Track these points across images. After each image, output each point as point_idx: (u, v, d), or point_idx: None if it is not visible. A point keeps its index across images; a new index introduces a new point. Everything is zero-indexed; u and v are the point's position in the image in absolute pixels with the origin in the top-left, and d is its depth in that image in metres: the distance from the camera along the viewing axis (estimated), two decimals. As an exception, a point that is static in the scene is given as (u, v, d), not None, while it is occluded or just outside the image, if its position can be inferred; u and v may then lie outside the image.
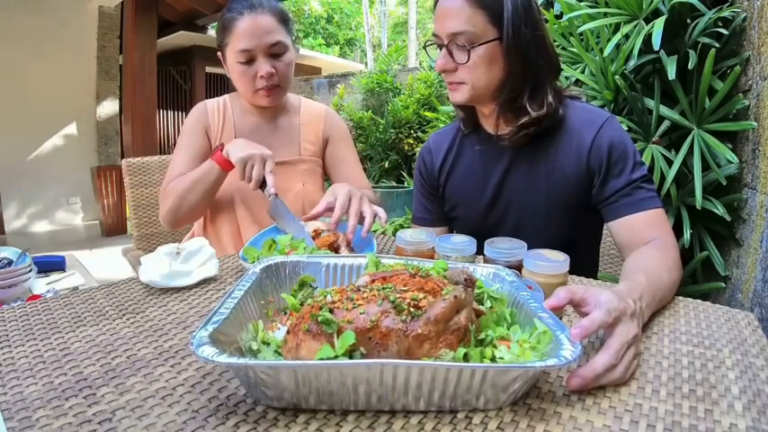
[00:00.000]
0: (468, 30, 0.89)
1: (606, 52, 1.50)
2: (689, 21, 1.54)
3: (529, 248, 0.77)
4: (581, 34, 1.70)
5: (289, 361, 0.47)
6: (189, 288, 0.82)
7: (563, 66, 1.45)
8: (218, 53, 1.23)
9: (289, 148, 1.29)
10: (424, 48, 1.09)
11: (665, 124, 1.51)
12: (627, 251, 0.91)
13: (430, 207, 1.16)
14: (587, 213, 1.00)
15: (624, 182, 0.92)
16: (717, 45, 1.42)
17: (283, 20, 1.18)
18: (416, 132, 3.74)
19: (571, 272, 0.77)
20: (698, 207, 1.37)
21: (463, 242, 0.82)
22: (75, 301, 0.75)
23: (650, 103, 1.52)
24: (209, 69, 7.32)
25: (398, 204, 3.35)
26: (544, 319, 0.53)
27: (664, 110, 1.50)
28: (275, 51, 1.16)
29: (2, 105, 4.25)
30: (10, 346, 0.61)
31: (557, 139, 0.98)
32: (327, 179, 1.39)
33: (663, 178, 1.44)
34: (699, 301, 0.79)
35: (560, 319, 0.59)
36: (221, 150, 1.10)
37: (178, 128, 7.72)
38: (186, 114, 1.30)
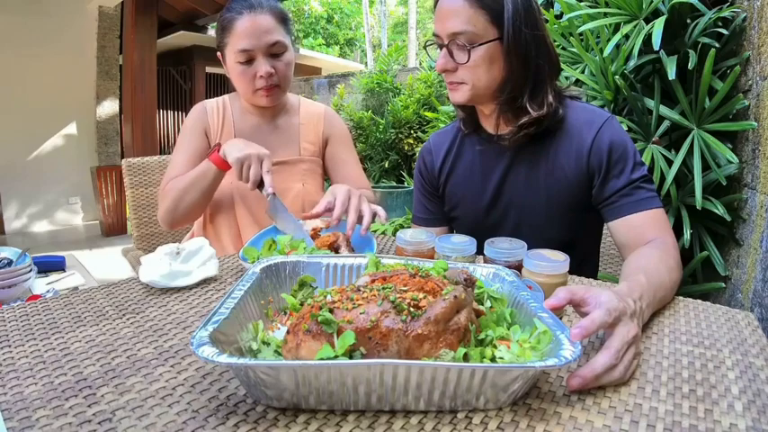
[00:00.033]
0: (469, 30, 0.89)
1: (606, 52, 1.50)
2: (689, 21, 1.54)
3: (529, 248, 0.77)
4: (581, 34, 1.70)
5: (289, 361, 0.47)
6: (189, 288, 0.82)
7: (563, 66, 1.45)
8: (218, 53, 1.23)
9: (288, 148, 1.29)
10: (425, 48, 1.09)
11: (665, 124, 1.51)
12: (627, 251, 0.91)
13: (430, 207, 1.16)
14: (587, 213, 1.00)
15: (624, 182, 0.92)
16: (717, 45, 1.42)
17: (283, 20, 1.18)
18: (416, 132, 3.74)
19: (571, 272, 0.77)
20: (698, 207, 1.37)
21: (463, 242, 0.82)
22: (75, 301, 0.75)
23: (650, 103, 1.52)
24: (209, 69, 7.33)
25: (398, 204, 3.35)
26: (544, 319, 0.53)
27: (664, 110, 1.50)
28: (275, 51, 1.16)
29: (2, 105, 4.25)
30: (10, 346, 0.61)
31: (557, 140, 0.98)
32: (327, 179, 1.39)
33: (663, 178, 1.44)
34: (699, 301, 0.79)
35: (560, 319, 0.59)
36: (218, 151, 1.10)
37: (178, 128, 7.72)
38: (186, 114, 1.30)
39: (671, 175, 1.42)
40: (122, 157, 2.97)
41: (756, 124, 1.31)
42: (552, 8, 1.89)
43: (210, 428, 0.45)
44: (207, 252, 0.87)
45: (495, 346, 0.53)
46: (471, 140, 1.08)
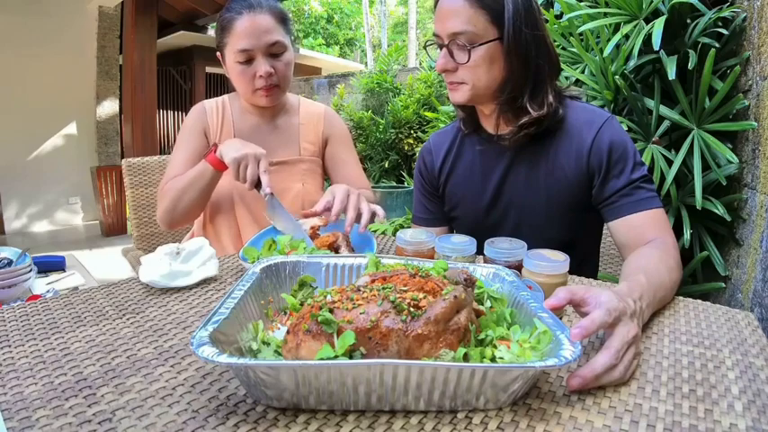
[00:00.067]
0: (469, 30, 0.89)
1: (606, 52, 1.50)
2: (689, 21, 1.54)
3: (529, 248, 0.77)
4: (581, 34, 1.70)
5: (289, 361, 0.47)
6: (189, 288, 0.82)
7: (563, 66, 1.45)
8: (218, 53, 1.23)
9: (288, 148, 1.29)
10: (425, 48, 1.09)
11: (665, 124, 1.51)
12: (627, 251, 0.91)
13: (430, 207, 1.16)
14: (587, 213, 1.00)
15: (624, 182, 0.92)
16: (717, 45, 1.42)
17: (282, 20, 1.18)
18: (416, 132, 3.74)
19: (571, 272, 0.77)
20: (698, 207, 1.37)
21: (463, 242, 0.82)
22: (75, 301, 0.75)
23: (650, 103, 1.52)
24: (209, 69, 7.32)
25: (398, 204, 3.35)
26: (544, 319, 0.53)
27: (664, 110, 1.50)
28: (274, 51, 1.16)
29: (2, 105, 4.25)
30: (10, 346, 0.61)
31: (557, 140, 0.98)
32: (327, 179, 1.39)
33: (663, 178, 1.44)
34: (699, 301, 0.79)
35: (560, 319, 0.59)
36: (215, 151, 1.09)
37: (178, 128, 7.71)
38: (186, 114, 1.30)
39: (671, 175, 1.42)
40: (122, 157, 2.97)
41: (756, 124, 1.31)
42: (552, 8, 1.89)
43: (210, 428, 0.45)
44: (207, 252, 0.87)
45: (495, 346, 0.53)
46: (471, 140, 1.08)
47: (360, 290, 0.53)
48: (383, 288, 0.53)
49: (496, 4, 0.89)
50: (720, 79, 1.46)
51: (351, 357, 0.46)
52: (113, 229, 4.82)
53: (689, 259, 1.45)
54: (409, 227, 1.08)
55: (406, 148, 3.81)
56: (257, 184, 1.04)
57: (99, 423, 0.45)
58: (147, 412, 0.47)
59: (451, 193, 1.11)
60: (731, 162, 1.37)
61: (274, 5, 1.18)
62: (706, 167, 1.43)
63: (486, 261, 0.80)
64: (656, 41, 1.38)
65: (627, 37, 1.51)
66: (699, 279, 1.50)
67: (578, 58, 1.75)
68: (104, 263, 3.90)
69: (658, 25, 1.40)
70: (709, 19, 1.45)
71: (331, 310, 0.48)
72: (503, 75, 0.93)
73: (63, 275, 1.64)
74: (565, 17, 1.68)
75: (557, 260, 0.71)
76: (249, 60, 1.15)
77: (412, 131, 3.76)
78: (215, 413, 0.47)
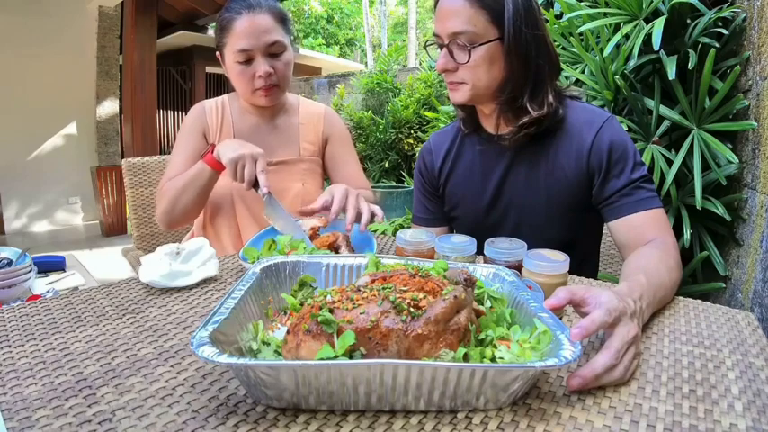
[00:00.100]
0: (469, 30, 0.89)
1: (606, 52, 1.50)
2: (689, 21, 1.54)
3: (529, 248, 0.77)
4: (581, 34, 1.70)
5: (289, 361, 0.47)
6: (189, 288, 0.82)
7: (563, 66, 1.45)
8: (217, 53, 1.23)
9: (288, 148, 1.29)
10: (425, 48, 1.09)
11: (665, 124, 1.51)
12: (627, 251, 0.91)
13: (430, 207, 1.16)
14: (587, 213, 1.00)
15: (624, 182, 0.92)
16: (717, 45, 1.42)
17: (282, 19, 1.18)
18: (416, 132, 3.75)
19: (571, 272, 0.77)
20: (698, 207, 1.37)
21: (463, 242, 0.82)
22: (75, 301, 0.75)
23: (650, 103, 1.52)
24: (209, 69, 7.32)
25: (398, 204, 3.35)
26: (544, 319, 0.53)
27: (664, 110, 1.50)
28: (273, 51, 1.16)
29: (2, 105, 4.25)
30: (10, 346, 0.61)
31: (557, 140, 0.98)
32: (327, 179, 1.39)
33: (663, 178, 1.44)
34: (699, 301, 0.79)
35: (560, 319, 0.59)
36: (212, 151, 1.09)
37: (178, 128, 7.68)
38: (186, 114, 1.30)
39: (671, 175, 1.42)
40: (122, 157, 2.97)
41: (756, 124, 1.31)
42: (552, 8, 1.89)
43: (210, 428, 0.45)
44: (207, 252, 0.87)
45: (495, 346, 0.53)
46: (471, 140, 1.08)
47: (360, 290, 0.53)
48: (383, 288, 0.53)
49: (497, 4, 0.89)
50: (720, 79, 1.46)
51: (351, 357, 0.46)
52: (113, 229, 4.82)
53: (689, 259, 1.45)
54: (409, 227, 1.08)
55: (406, 148, 3.81)
56: (255, 184, 1.04)
57: (99, 423, 0.45)
58: (147, 412, 0.47)
59: (451, 193, 1.11)
60: (731, 162, 1.37)
61: (274, 5, 1.18)
62: (706, 167, 1.43)
63: (486, 261, 0.80)
64: (656, 41, 1.38)
65: (627, 37, 1.51)
66: (699, 279, 1.50)
67: (578, 58, 1.75)
68: (104, 263, 3.90)
69: (658, 25, 1.40)
70: (709, 19, 1.45)
71: (331, 310, 0.48)
72: (503, 75, 0.93)
73: (63, 275, 1.64)
74: (565, 17, 1.68)
75: (557, 260, 0.71)
76: (249, 60, 1.15)
77: (412, 131, 3.77)
78: (215, 413, 0.47)
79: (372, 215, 0.97)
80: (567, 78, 1.70)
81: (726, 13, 1.43)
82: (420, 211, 1.18)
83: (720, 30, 1.45)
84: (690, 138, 1.45)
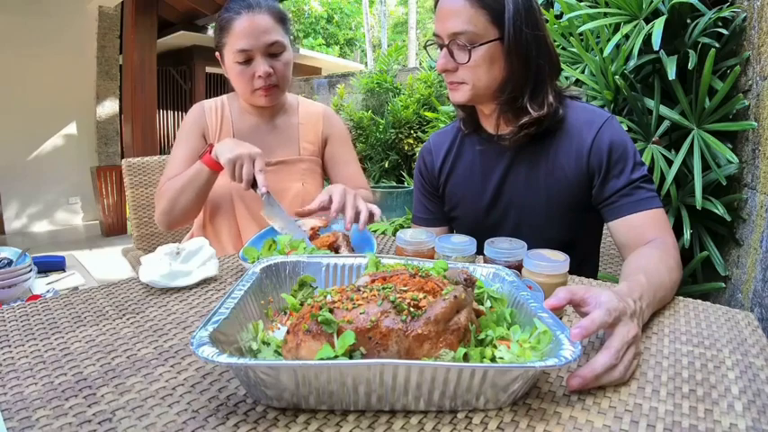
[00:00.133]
0: (469, 30, 0.89)
1: (606, 52, 1.50)
2: (689, 21, 1.54)
3: (529, 248, 0.77)
4: (581, 34, 1.70)
5: (289, 361, 0.47)
6: (189, 288, 0.82)
7: (563, 66, 1.45)
8: (216, 53, 1.23)
9: (288, 148, 1.29)
10: (425, 47, 1.09)
11: (665, 124, 1.51)
12: (627, 251, 0.91)
13: (430, 207, 1.16)
14: (587, 213, 1.00)
15: (624, 182, 0.92)
16: (717, 45, 1.42)
17: (281, 19, 1.18)
18: (416, 132, 3.75)
19: (571, 272, 0.77)
20: (698, 207, 1.37)
21: (463, 242, 0.82)
22: (75, 301, 0.75)
23: (650, 103, 1.52)
24: (209, 69, 7.32)
25: (398, 204, 3.35)
26: (544, 319, 0.53)
27: (664, 110, 1.50)
28: (273, 51, 1.16)
29: (2, 105, 4.25)
30: (10, 346, 0.61)
31: (557, 140, 0.98)
32: (327, 178, 1.39)
33: (663, 178, 1.44)
34: (699, 301, 0.79)
35: (560, 319, 0.59)
36: (210, 152, 1.09)
37: (178, 128, 7.68)
38: (186, 114, 1.30)
39: (671, 175, 1.42)
40: (122, 157, 2.97)
41: (756, 124, 1.31)
42: (552, 8, 1.89)
43: (210, 428, 0.45)
44: (207, 252, 0.87)
45: (495, 346, 0.53)
46: (471, 140, 1.08)
47: (360, 290, 0.53)
48: (383, 288, 0.53)
49: (497, 4, 0.89)
50: (720, 79, 1.46)
51: (351, 357, 0.46)
52: (113, 229, 4.82)
53: (689, 259, 1.45)
54: (409, 227, 1.08)
55: (406, 148, 3.81)
56: (253, 184, 1.04)
57: (99, 423, 0.45)
58: (147, 412, 0.47)
59: (451, 193, 1.11)
60: (731, 162, 1.37)
61: (273, 5, 1.18)
62: (706, 167, 1.43)
63: (486, 261, 0.80)
64: (656, 41, 1.38)
65: (627, 37, 1.51)
66: (699, 279, 1.50)
67: (578, 58, 1.75)
68: (104, 263, 3.90)
69: (658, 25, 1.40)
70: (709, 19, 1.45)
71: (331, 310, 0.48)
72: (503, 75, 0.93)
73: (63, 275, 1.64)
74: (565, 17, 1.68)
75: (557, 260, 0.71)
76: (248, 60, 1.15)
77: (412, 131, 3.77)
78: (215, 413, 0.47)
79: (371, 214, 0.97)
80: (567, 78, 1.70)
81: (726, 13, 1.43)
82: (420, 211, 1.18)
83: (720, 30, 1.45)
84: (690, 138, 1.45)
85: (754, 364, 0.58)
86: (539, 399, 0.50)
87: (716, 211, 1.38)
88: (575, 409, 0.48)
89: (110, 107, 4.92)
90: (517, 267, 0.75)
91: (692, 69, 1.42)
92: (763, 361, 0.59)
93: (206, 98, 1.41)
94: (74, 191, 4.80)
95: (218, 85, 7.89)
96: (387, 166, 3.91)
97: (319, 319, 0.47)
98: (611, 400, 0.50)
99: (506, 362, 0.50)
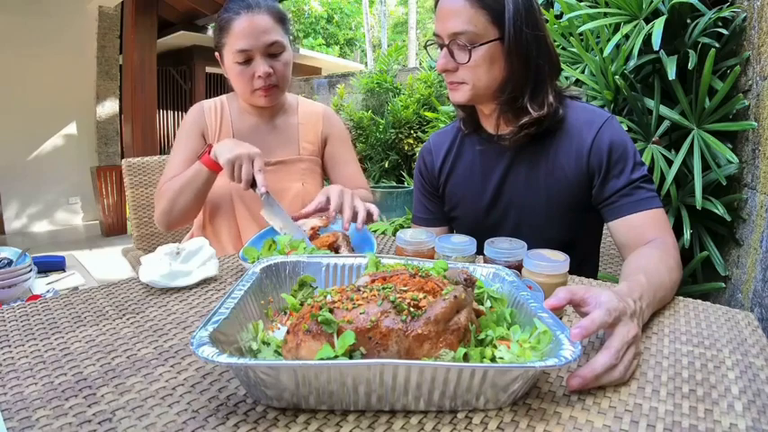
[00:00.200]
0: (470, 30, 0.89)
1: (606, 52, 1.50)
2: (689, 21, 1.54)
3: (529, 248, 0.77)
4: (581, 34, 1.70)
5: (289, 361, 0.47)
6: (189, 288, 0.82)
7: (563, 66, 1.45)
8: (216, 53, 1.23)
9: (287, 148, 1.29)
10: (425, 47, 1.09)
11: (665, 124, 1.51)
12: (627, 251, 0.91)
13: (430, 207, 1.16)
14: (587, 213, 1.00)
15: (624, 182, 0.92)
16: (717, 45, 1.42)
17: (281, 19, 1.18)
18: (416, 132, 3.75)
19: (571, 272, 0.77)
20: (698, 207, 1.37)
21: (463, 242, 0.82)
22: (75, 301, 0.75)
23: (650, 103, 1.52)
24: (209, 69, 7.32)
25: (398, 204, 3.35)
26: (544, 319, 0.53)
27: (664, 110, 1.50)
28: (273, 51, 1.16)
29: (2, 105, 4.25)
30: (10, 346, 0.61)
31: (557, 140, 0.98)
32: (327, 178, 1.39)
33: (663, 178, 1.44)
34: (699, 301, 0.79)
35: (560, 319, 0.59)
36: (209, 152, 1.09)
37: (178, 128, 7.67)
38: (186, 114, 1.30)
39: (671, 175, 1.42)
40: (122, 157, 2.97)
41: (756, 124, 1.31)
42: (552, 8, 1.89)
43: (210, 428, 0.45)
44: (207, 252, 0.87)
45: (495, 346, 0.53)
46: (471, 140, 1.08)
47: (360, 290, 0.53)
48: (383, 288, 0.53)
49: (497, 4, 0.89)
50: (720, 79, 1.46)
51: (351, 357, 0.46)
52: (113, 229, 4.82)
53: (689, 259, 1.45)
54: (409, 227, 1.08)
55: (406, 148, 3.81)
56: (253, 184, 1.04)
57: (99, 423, 0.45)
58: (147, 412, 0.47)
59: (451, 193, 1.11)
60: (731, 162, 1.37)
61: (273, 5, 1.17)
62: (706, 167, 1.43)
63: (486, 261, 0.80)
64: (656, 41, 1.38)
65: (627, 37, 1.51)
66: (699, 279, 1.50)
67: (578, 58, 1.75)
68: (104, 263, 3.90)
69: (658, 25, 1.40)
70: (709, 19, 1.45)
71: (331, 310, 0.48)
72: (503, 75, 0.93)
73: (63, 275, 1.64)
74: (565, 17, 1.68)
75: (557, 260, 0.71)
76: (248, 60, 1.15)
77: (412, 131, 3.77)
78: (215, 413, 0.47)
79: (369, 214, 0.97)
80: (567, 78, 1.70)
81: (726, 13, 1.43)
82: (420, 211, 1.18)
83: (720, 30, 1.45)
84: (690, 138, 1.45)
85: (754, 364, 0.58)
86: (539, 399, 0.50)
87: (716, 211, 1.38)
88: (575, 409, 0.48)
89: (110, 107, 4.92)
90: (517, 267, 0.75)
91: (692, 69, 1.42)
92: (763, 361, 0.59)
93: (206, 98, 1.41)
94: (74, 191, 4.80)
95: (218, 85, 7.89)
96: (387, 166, 3.91)
97: (319, 319, 0.47)
98: (611, 400, 0.50)
99: (506, 362, 0.50)
